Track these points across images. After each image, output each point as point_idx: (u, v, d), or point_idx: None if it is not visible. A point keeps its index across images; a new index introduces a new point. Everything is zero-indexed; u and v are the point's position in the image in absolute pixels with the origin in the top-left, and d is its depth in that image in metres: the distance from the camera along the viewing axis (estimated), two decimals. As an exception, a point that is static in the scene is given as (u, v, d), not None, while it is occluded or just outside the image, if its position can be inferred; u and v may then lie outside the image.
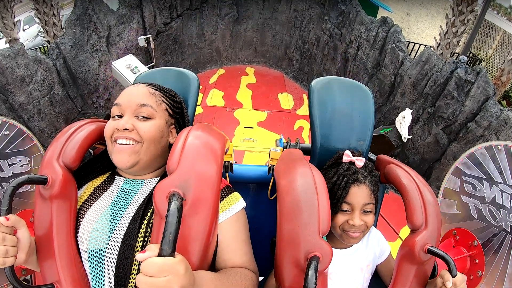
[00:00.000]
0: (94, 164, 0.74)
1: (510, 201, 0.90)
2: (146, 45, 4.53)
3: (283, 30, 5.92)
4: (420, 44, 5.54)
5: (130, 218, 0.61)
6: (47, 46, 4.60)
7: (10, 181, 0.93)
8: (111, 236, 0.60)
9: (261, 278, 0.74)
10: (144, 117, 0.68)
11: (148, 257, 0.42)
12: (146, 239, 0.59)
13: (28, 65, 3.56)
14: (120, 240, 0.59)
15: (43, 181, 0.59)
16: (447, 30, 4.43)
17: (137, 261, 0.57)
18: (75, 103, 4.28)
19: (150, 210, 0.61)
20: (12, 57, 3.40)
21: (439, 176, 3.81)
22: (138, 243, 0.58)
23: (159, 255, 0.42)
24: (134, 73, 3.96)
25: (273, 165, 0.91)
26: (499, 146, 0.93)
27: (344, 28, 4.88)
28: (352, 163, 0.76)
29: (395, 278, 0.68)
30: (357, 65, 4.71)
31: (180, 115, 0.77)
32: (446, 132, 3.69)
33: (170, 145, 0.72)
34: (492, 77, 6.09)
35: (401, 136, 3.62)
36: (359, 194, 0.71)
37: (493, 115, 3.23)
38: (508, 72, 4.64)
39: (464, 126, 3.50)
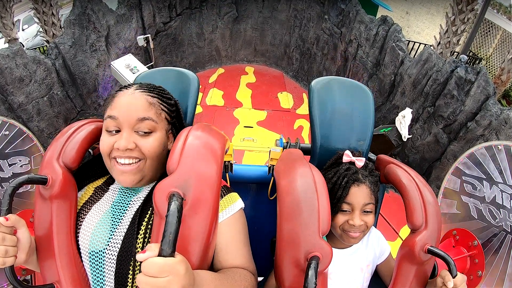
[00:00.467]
0: (94, 166, 0.74)
1: (510, 201, 0.90)
2: (145, 45, 4.52)
3: (282, 29, 5.91)
4: (420, 43, 5.54)
5: (130, 219, 0.61)
6: (46, 45, 4.59)
7: (10, 181, 0.93)
8: (112, 237, 0.60)
9: (261, 278, 0.74)
10: (145, 132, 0.62)
11: (148, 257, 0.42)
12: (146, 239, 0.59)
13: (27, 65, 3.56)
14: (120, 241, 0.59)
15: (43, 181, 0.59)
16: (447, 29, 4.43)
17: (137, 262, 0.57)
18: (74, 103, 4.27)
19: (149, 211, 0.61)
20: (11, 57, 3.40)
21: (439, 176, 3.81)
22: (138, 244, 0.58)
23: (159, 255, 0.42)
24: (133, 73, 3.95)
25: (273, 165, 0.91)
26: (499, 146, 0.93)
27: (344, 27, 4.87)
28: (352, 163, 0.76)
29: (395, 278, 0.68)
30: (357, 64, 4.71)
31: (176, 119, 0.72)
32: (446, 132, 3.69)
33: (168, 150, 0.68)
34: (492, 76, 6.09)
35: (401, 136, 3.61)
36: (359, 194, 0.71)
37: (493, 114, 3.24)
38: (508, 71, 4.64)
39: (464, 126, 3.51)
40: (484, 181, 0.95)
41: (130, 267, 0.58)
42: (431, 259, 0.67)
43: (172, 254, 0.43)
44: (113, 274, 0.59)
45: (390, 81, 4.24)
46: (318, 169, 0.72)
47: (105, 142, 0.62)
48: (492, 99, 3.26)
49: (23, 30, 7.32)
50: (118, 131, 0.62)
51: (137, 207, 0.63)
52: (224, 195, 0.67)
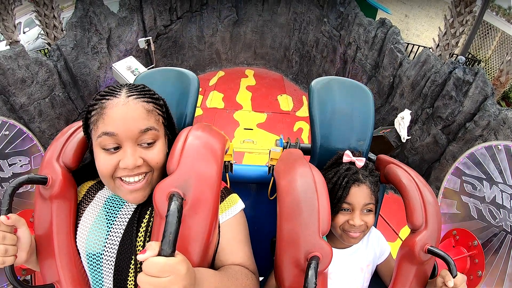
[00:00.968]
0: (93, 167, 0.73)
1: (510, 201, 0.90)
2: (146, 47, 4.54)
3: (282, 32, 5.95)
4: (419, 46, 5.56)
5: (127, 220, 0.61)
6: (47, 48, 4.61)
7: (10, 181, 0.93)
8: (108, 239, 0.59)
9: (261, 278, 0.74)
10: (148, 144, 0.57)
11: (149, 257, 0.42)
12: (146, 241, 0.58)
13: (29, 67, 3.57)
14: (117, 244, 0.59)
15: (43, 181, 0.59)
16: (446, 31, 4.45)
17: (137, 263, 0.57)
18: (75, 104, 4.28)
19: (148, 212, 0.61)
20: (13, 59, 3.41)
21: (438, 176, 3.81)
22: (138, 244, 0.58)
23: (159, 254, 0.42)
24: (134, 75, 3.97)
25: (273, 165, 0.91)
26: (499, 146, 0.93)
27: (343, 30, 4.90)
28: (352, 163, 0.76)
29: (395, 278, 0.68)
30: (356, 66, 4.73)
31: (168, 120, 0.66)
32: (445, 132, 3.70)
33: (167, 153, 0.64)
34: (491, 78, 6.11)
35: (400, 137, 3.62)
36: (360, 194, 0.71)
37: (491, 114, 3.24)
38: (507, 73, 4.66)
39: (463, 126, 3.51)
40: (484, 181, 0.95)
41: (130, 269, 0.57)
42: (431, 259, 0.67)
43: (172, 254, 0.43)
44: (112, 276, 0.58)
45: (389, 83, 4.25)
46: (318, 169, 0.72)
47: (106, 163, 0.56)
48: (490, 100, 3.27)
49: (24, 33, 7.36)
50: (117, 148, 0.56)
51: (133, 208, 0.62)
52: (225, 197, 0.67)
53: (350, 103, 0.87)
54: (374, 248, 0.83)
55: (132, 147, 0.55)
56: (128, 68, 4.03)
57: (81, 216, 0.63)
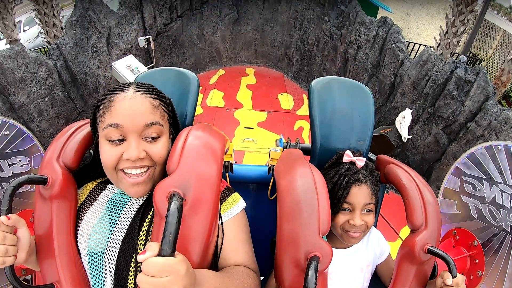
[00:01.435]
0: (95, 167, 0.74)
1: (510, 201, 0.90)
2: (146, 46, 4.54)
3: (283, 31, 5.93)
4: (420, 44, 5.55)
5: (130, 220, 0.61)
6: (47, 47, 4.61)
7: (10, 181, 0.94)
8: (110, 238, 0.60)
9: (261, 278, 0.74)
10: (152, 138, 0.59)
11: (148, 257, 0.42)
12: (147, 241, 0.58)
13: (29, 66, 3.57)
14: (120, 243, 0.59)
15: (43, 181, 0.59)
16: (447, 30, 4.44)
17: (137, 262, 0.57)
18: (75, 103, 4.28)
19: (151, 212, 0.61)
20: (12, 58, 3.41)
21: (439, 176, 3.81)
22: (139, 244, 0.58)
23: (159, 255, 0.42)
24: (134, 74, 3.96)
25: (273, 165, 0.91)
26: (499, 146, 0.93)
27: (344, 29, 4.88)
28: (352, 163, 0.76)
29: (395, 278, 0.68)
30: (357, 65, 4.71)
31: (174, 119, 0.69)
32: (446, 132, 3.69)
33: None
34: (492, 77, 6.09)
35: (401, 136, 3.62)
36: (360, 194, 0.71)
37: (493, 114, 3.24)
38: (508, 72, 4.64)
39: (464, 126, 3.51)
40: (484, 181, 0.95)
41: (130, 268, 0.58)
42: (431, 259, 0.67)
43: (172, 254, 0.43)
44: (113, 275, 0.58)
45: (390, 82, 4.24)
46: (318, 169, 0.72)
47: (110, 154, 0.57)
48: (492, 100, 3.27)
49: (24, 31, 7.35)
50: (121, 140, 0.57)
51: (136, 208, 0.63)
52: (227, 196, 0.67)
53: (350, 103, 0.87)
54: (374, 248, 0.83)
55: (136, 140, 0.57)
56: (128, 67, 4.03)
57: (83, 216, 0.64)
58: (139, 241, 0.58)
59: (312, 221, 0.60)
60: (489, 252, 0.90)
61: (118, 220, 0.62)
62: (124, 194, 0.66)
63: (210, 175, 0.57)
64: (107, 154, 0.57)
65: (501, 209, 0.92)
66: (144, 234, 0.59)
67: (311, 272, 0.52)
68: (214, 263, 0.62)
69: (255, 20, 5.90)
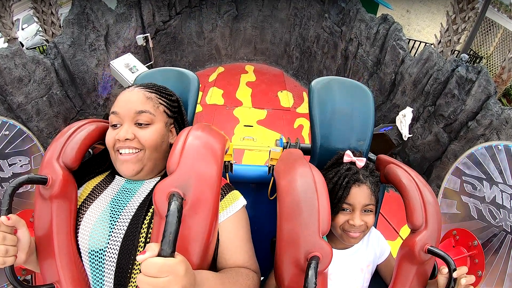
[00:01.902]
0: (94, 164, 0.74)
1: (510, 201, 0.90)
2: (144, 44, 4.50)
3: (282, 28, 5.90)
4: (421, 42, 5.52)
5: (130, 217, 0.61)
6: (46, 45, 4.58)
7: (10, 181, 0.93)
8: (111, 235, 0.60)
9: (261, 278, 0.74)
10: (143, 124, 0.67)
11: (148, 257, 0.42)
12: (146, 240, 0.59)
13: (26, 65, 3.55)
14: (121, 240, 0.59)
15: (43, 181, 0.59)
16: (448, 28, 4.41)
17: (138, 262, 0.57)
18: (73, 102, 4.27)
19: (151, 210, 0.61)
20: (9, 57, 3.39)
21: (439, 175, 3.81)
22: (140, 243, 0.58)
23: (159, 255, 0.42)
24: (132, 72, 3.94)
25: (273, 165, 0.91)
26: (499, 146, 0.93)
27: (344, 26, 4.85)
28: (353, 163, 0.76)
29: (395, 278, 0.68)
30: (357, 63, 4.70)
31: (178, 114, 0.77)
32: (447, 131, 3.69)
33: (171, 145, 0.72)
34: (492, 75, 6.07)
35: (401, 135, 3.62)
36: (360, 195, 0.71)
37: (494, 114, 3.23)
38: (509, 70, 4.63)
39: (465, 125, 3.50)
40: (484, 181, 0.95)
41: (131, 266, 0.58)
42: (431, 259, 0.67)
43: (172, 254, 0.43)
44: (113, 273, 0.59)
45: (390, 80, 4.23)
46: (318, 169, 0.72)
47: (109, 135, 0.68)
48: (493, 99, 3.26)
49: (22, 29, 7.31)
50: (120, 125, 0.68)
51: (137, 206, 0.63)
52: (226, 194, 0.68)
53: (350, 103, 0.87)
54: (374, 248, 0.83)
55: (128, 124, 0.67)
56: (126, 66, 4.00)
57: (84, 214, 0.64)
58: (140, 238, 0.58)
59: (312, 221, 0.60)
60: (489, 252, 0.91)
61: (119, 217, 0.62)
62: (127, 193, 0.67)
63: (210, 175, 0.57)
64: (108, 135, 0.68)
65: (501, 209, 0.92)
66: (144, 231, 0.59)
67: (311, 272, 0.52)
68: (214, 263, 0.63)
69: (254, 17, 5.86)
